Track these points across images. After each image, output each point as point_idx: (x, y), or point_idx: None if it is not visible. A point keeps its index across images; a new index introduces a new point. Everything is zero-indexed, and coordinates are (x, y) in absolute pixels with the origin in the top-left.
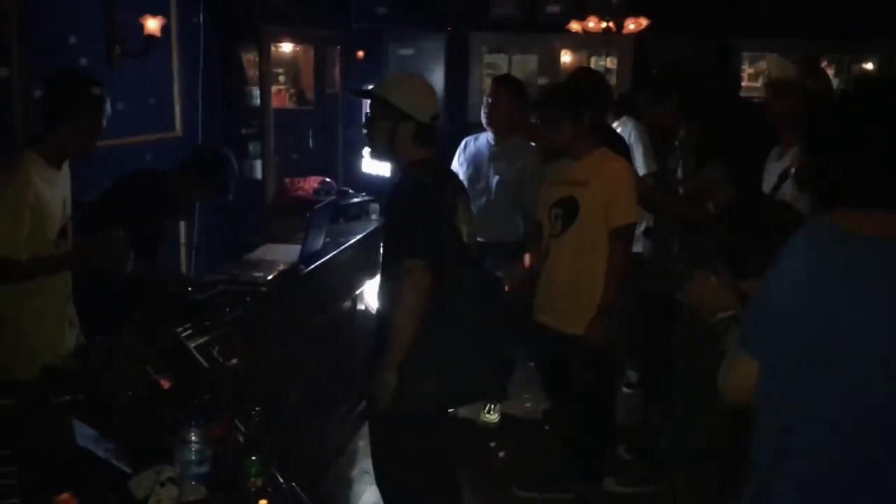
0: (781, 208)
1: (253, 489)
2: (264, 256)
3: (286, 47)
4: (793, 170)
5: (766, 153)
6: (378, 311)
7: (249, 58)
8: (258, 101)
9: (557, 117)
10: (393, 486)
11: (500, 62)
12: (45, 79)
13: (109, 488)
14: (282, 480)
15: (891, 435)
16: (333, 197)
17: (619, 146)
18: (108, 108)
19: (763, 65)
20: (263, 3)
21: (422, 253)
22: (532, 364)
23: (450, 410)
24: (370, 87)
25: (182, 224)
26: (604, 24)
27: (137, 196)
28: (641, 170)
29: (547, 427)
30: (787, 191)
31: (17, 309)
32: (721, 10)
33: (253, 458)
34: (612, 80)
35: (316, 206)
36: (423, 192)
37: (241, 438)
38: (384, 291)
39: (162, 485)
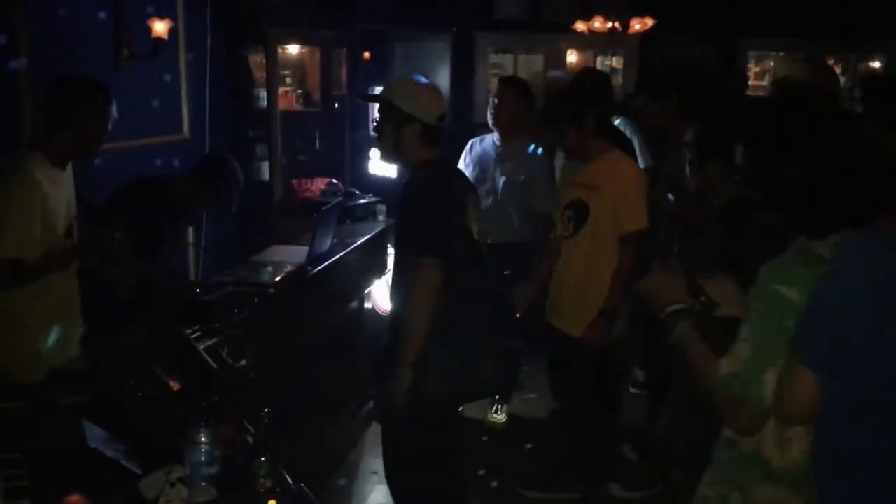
0: None
1: (262, 490)
2: (272, 258)
3: (292, 49)
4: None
5: None
6: (391, 309)
7: (256, 60)
8: (265, 103)
9: (561, 123)
10: (404, 485)
11: (506, 62)
12: (51, 81)
13: (119, 489)
14: (290, 481)
15: None
16: (340, 198)
17: (625, 146)
18: (113, 111)
19: (769, 64)
20: (270, 5)
21: (433, 251)
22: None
23: (459, 409)
24: (377, 90)
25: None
26: (609, 24)
27: (141, 202)
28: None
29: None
30: None
31: (24, 311)
32: (727, 9)
33: (262, 458)
34: (618, 79)
35: (323, 208)
36: (433, 191)
37: (249, 439)
38: (397, 290)
39: (172, 485)
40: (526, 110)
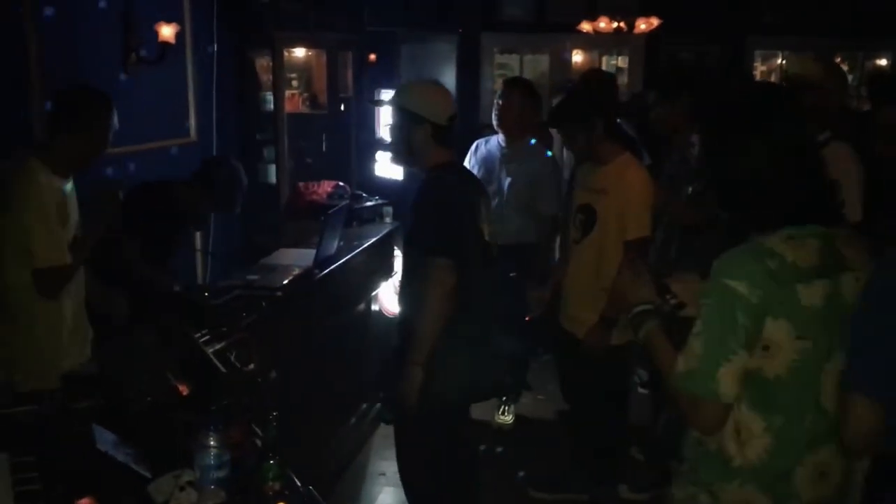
0: None
1: (271, 493)
2: (279, 261)
3: (299, 52)
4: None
5: None
6: (401, 310)
7: (263, 63)
8: (272, 106)
9: (568, 127)
10: (417, 485)
11: (512, 63)
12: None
13: (129, 492)
14: (299, 484)
15: None
16: (347, 201)
17: (634, 147)
18: (114, 121)
19: (776, 62)
20: (276, 9)
21: (447, 252)
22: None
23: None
24: (384, 93)
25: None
26: (615, 25)
27: (147, 208)
28: None
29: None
30: None
31: (34, 316)
32: (732, 8)
33: (270, 461)
34: (624, 79)
35: (330, 211)
36: (447, 193)
37: (258, 442)
38: (408, 291)
39: (181, 489)
40: (531, 111)
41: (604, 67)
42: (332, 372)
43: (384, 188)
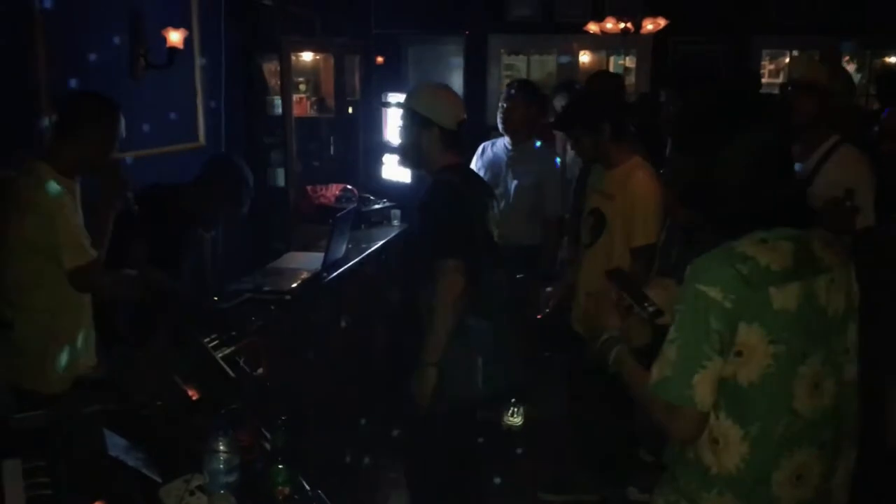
0: None
1: (280, 497)
2: (288, 265)
3: (306, 56)
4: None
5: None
6: (413, 312)
7: (270, 67)
8: (280, 110)
9: (576, 131)
10: (425, 486)
11: (519, 64)
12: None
13: (140, 497)
14: (308, 488)
15: None
16: (355, 204)
17: (646, 149)
18: (121, 127)
19: (784, 61)
20: (284, 13)
21: (457, 253)
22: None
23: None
24: (391, 95)
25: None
26: (622, 25)
27: (156, 211)
28: None
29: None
30: (814, 193)
31: (45, 320)
32: (739, 8)
33: (280, 465)
34: (632, 79)
35: (338, 214)
36: (457, 195)
37: (267, 446)
38: (419, 292)
39: (191, 493)
40: (536, 113)
41: (611, 68)
42: (341, 374)
43: (392, 191)
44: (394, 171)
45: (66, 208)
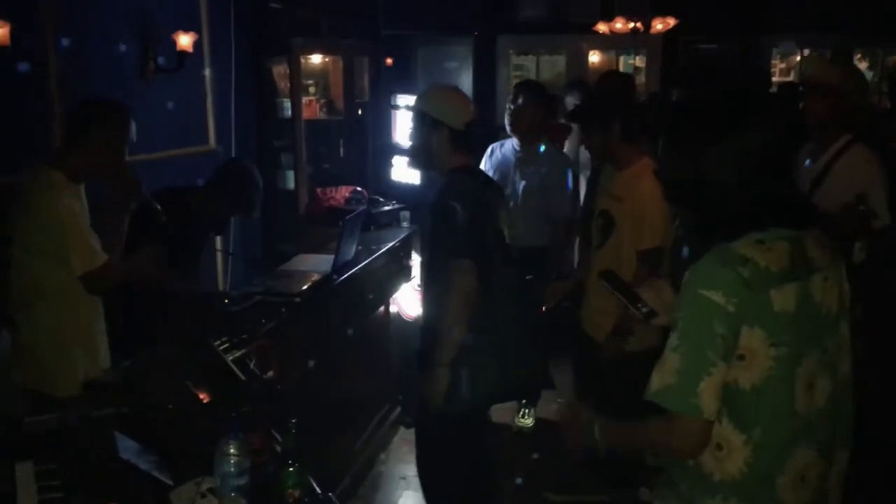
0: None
1: (291, 499)
2: (298, 266)
3: (315, 59)
4: None
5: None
6: (424, 312)
7: (280, 70)
8: (289, 113)
9: (585, 131)
10: (437, 488)
11: (528, 64)
12: (80, 96)
13: (151, 500)
14: (319, 490)
15: None
16: (364, 206)
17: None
18: (132, 131)
19: (794, 60)
20: (293, 16)
21: (469, 253)
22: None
23: (488, 411)
24: (401, 97)
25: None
26: (631, 25)
27: (167, 213)
28: None
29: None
30: (825, 193)
31: (55, 324)
32: (749, 6)
33: (290, 468)
34: (641, 79)
35: (348, 216)
36: (468, 195)
37: (278, 449)
38: (430, 293)
39: (202, 496)
40: (544, 114)
41: (621, 68)
42: (352, 376)
43: (401, 192)
44: (403, 172)
45: (74, 213)
